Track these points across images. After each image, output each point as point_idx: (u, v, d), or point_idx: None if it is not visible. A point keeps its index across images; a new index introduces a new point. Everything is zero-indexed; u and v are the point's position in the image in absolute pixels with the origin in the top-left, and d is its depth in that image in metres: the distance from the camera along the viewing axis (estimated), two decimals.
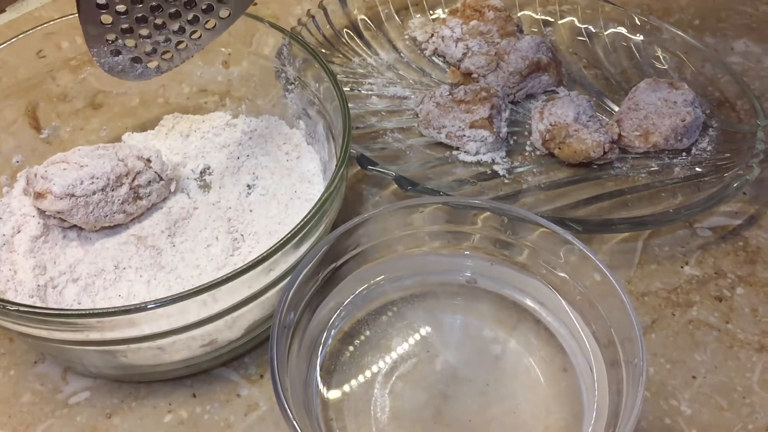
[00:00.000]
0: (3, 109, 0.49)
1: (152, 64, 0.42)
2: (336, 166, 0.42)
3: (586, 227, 0.47)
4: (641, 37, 0.61)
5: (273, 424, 0.40)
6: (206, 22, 0.42)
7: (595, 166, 0.54)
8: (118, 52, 0.41)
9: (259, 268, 0.37)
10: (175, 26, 0.41)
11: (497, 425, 0.38)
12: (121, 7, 0.39)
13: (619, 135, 0.53)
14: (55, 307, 0.42)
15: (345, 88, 0.58)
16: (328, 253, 0.40)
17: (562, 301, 0.41)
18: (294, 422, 0.32)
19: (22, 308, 0.35)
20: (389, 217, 0.42)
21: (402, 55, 0.62)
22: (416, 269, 0.44)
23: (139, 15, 0.40)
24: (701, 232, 0.51)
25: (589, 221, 0.47)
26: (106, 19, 0.39)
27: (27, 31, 0.49)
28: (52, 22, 0.49)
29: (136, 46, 0.41)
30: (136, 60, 0.42)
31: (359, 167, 0.51)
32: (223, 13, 0.41)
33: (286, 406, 0.32)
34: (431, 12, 0.66)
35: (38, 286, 0.43)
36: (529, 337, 0.41)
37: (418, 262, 0.45)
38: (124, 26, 0.40)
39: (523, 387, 0.39)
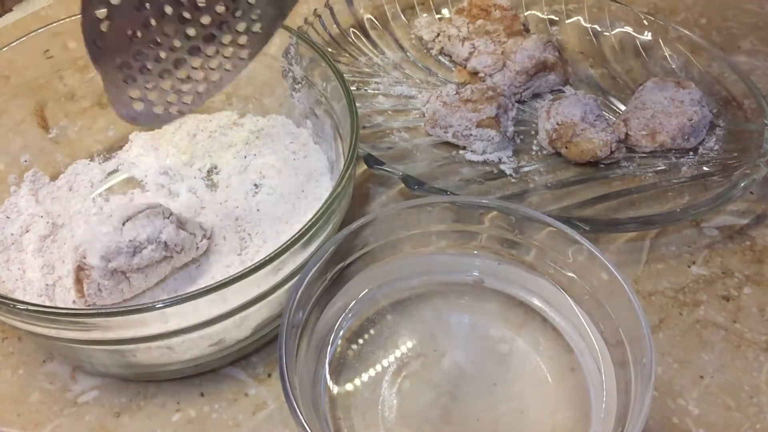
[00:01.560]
0: (11, 109, 0.49)
1: (173, 108, 0.41)
2: (344, 165, 0.42)
3: (593, 226, 0.47)
4: (648, 36, 0.61)
5: (281, 423, 0.41)
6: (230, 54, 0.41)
7: (602, 166, 0.54)
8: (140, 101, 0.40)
9: (268, 267, 0.37)
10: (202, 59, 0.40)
11: (504, 424, 0.38)
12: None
13: (626, 134, 0.53)
14: (63, 306, 0.43)
15: (351, 88, 0.58)
16: (336, 252, 0.40)
17: (570, 301, 0.41)
18: (303, 420, 0.32)
19: (30, 307, 0.35)
20: (396, 216, 0.42)
21: (408, 54, 0.62)
22: (423, 269, 0.44)
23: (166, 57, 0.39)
24: (708, 231, 0.51)
25: (596, 220, 0.47)
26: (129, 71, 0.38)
27: (34, 31, 0.49)
28: (59, 22, 0.50)
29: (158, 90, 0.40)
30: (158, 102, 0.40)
31: (366, 166, 0.51)
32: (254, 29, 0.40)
33: (295, 404, 0.32)
34: (437, 11, 0.66)
35: (47, 285, 0.43)
36: (537, 337, 0.41)
37: (426, 261, 0.45)
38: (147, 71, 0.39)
39: (531, 386, 0.39)
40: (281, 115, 0.53)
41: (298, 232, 0.38)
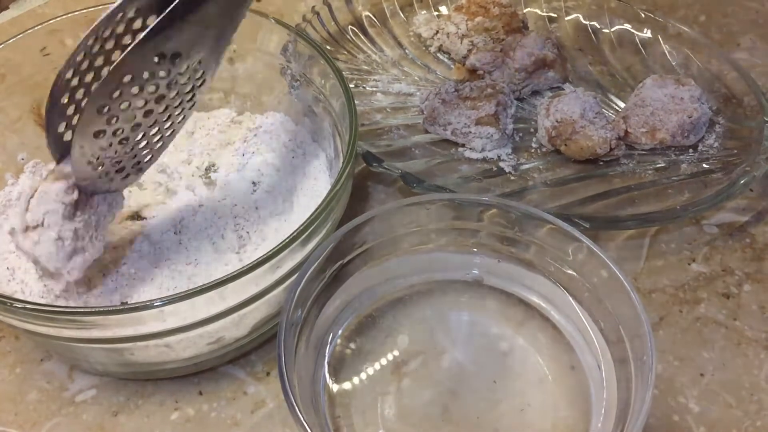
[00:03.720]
0: (7, 107, 0.49)
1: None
2: (343, 163, 0.42)
3: (593, 224, 0.47)
4: (647, 33, 0.61)
5: (280, 422, 0.40)
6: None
7: (602, 163, 0.53)
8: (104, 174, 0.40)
9: (267, 265, 0.37)
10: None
11: (505, 422, 0.38)
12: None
13: (626, 131, 0.53)
14: (61, 304, 0.42)
15: (350, 85, 0.58)
16: (334, 250, 0.39)
17: (570, 298, 0.41)
18: (302, 419, 0.32)
19: (28, 305, 0.35)
20: (396, 214, 0.42)
21: (407, 51, 0.62)
22: (423, 267, 0.44)
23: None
24: (708, 228, 0.51)
25: (595, 218, 0.47)
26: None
27: (31, 29, 0.49)
28: (56, 19, 0.49)
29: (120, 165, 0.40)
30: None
31: (365, 164, 0.50)
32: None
33: (294, 403, 0.32)
34: (436, 8, 0.65)
35: (45, 284, 0.43)
36: (537, 335, 0.41)
37: (425, 259, 0.44)
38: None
39: (531, 384, 0.39)
40: (279, 112, 0.52)
41: (296, 230, 0.38)
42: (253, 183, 0.51)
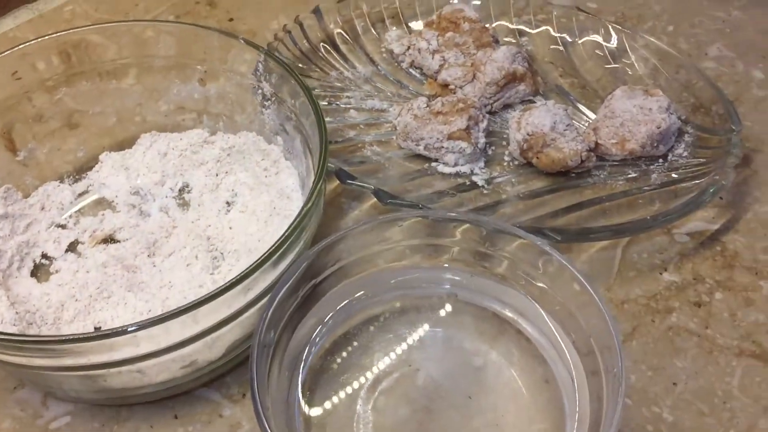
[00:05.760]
0: None
1: None
2: (313, 181, 0.42)
3: (564, 236, 0.47)
4: (616, 45, 0.62)
5: None
6: None
7: (573, 175, 0.54)
8: None
9: (238, 287, 0.37)
10: None
11: None
12: None
13: (596, 143, 0.54)
14: (33, 333, 0.42)
15: (323, 103, 0.58)
16: (307, 269, 0.39)
17: (542, 312, 0.41)
18: None
19: None
20: (368, 232, 0.42)
21: (379, 68, 0.63)
22: (397, 283, 0.44)
23: None
24: (679, 237, 0.51)
25: (567, 230, 0.48)
26: None
27: (2, 53, 0.48)
28: (27, 43, 0.49)
29: None
30: None
31: (338, 181, 0.51)
32: None
33: (267, 427, 0.32)
34: (408, 25, 0.66)
35: (16, 313, 0.42)
36: (511, 349, 0.41)
37: (399, 276, 0.45)
38: None
39: (505, 398, 0.39)
40: (252, 131, 0.53)
41: (267, 250, 0.38)
42: (227, 203, 0.51)
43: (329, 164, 0.51)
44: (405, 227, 0.43)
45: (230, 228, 0.49)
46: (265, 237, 0.47)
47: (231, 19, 0.69)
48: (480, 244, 0.43)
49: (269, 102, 0.50)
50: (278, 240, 0.38)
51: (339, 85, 0.61)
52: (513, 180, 0.54)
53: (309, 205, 0.40)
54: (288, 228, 0.39)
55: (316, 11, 0.63)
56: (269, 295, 0.37)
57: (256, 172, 0.51)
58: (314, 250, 0.40)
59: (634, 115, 0.54)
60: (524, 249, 0.41)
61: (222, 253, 0.47)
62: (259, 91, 0.50)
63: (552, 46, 0.64)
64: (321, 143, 0.43)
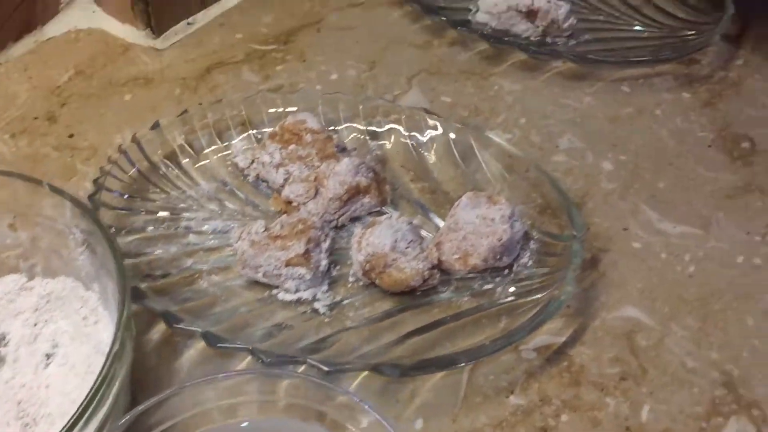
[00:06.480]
0: None
1: None
2: (112, 342, 0.39)
3: (402, 371, 0.46)
4: (465, 147, 0.61)
5: None
6: None
7: (419, 293, 0.52)
8: None
9: None
10: None
11: None
12: None
13: (439, 259, 0.52)
14: None
15: (161, 227, 0.56)
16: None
17: None
18: None
19: None
20: (192, 391, 0.40)
21: (225, 182, 0.60)
22: None
23: None
24: (526, 354, 0.50)
25: (403, 365, 0.46)
26: None
27: None
28: None
29: None
30: None
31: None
32: None
33: None
34: (255, 133, 0.63)
35: None
36: None
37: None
38: None
39: None
40: (71, 276, 0.49)
41: (69, 419, 0.35)
42: (47, 355, 0.47)
43: (155, 306, 0.49)
44: (234, 384, 0.41)
45: (47, 387, 0.45)
46: (79, 398, 0.44)
47: (71, 135, 0.65)
48: (309, 397, 0.41)
49: (82, 248, 0.47)
50: (81, 404, 0.36)
51: (182, 205, 0.58)
52: (357, 303, 0.52)
53: (106, 372, 0.38)
54: (89, 391, 0.37)
55: (156, 126, 0.61)
56: None
57: (76, 321, 0.48)
58: (132, 414, 0.37)
59: (477, 227, 0.53)
60: (345, 404, 0.39)
61: (34, 419, 0.44)
62: (71, 236, 0.47)
63: (402, 150, 0.62)
64: (121, 300, 0.40)
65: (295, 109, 0.63)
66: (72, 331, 0.47)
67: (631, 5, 0.77)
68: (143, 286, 0.50)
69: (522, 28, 0.71)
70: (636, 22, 0.75)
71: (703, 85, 0.70)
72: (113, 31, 0.76)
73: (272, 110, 0.63)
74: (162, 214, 0.57)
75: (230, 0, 0.81)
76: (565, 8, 0.70)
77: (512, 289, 0.52)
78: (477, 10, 0.74)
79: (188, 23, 0.78)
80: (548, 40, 0.71)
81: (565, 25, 0.69)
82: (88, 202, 0.54)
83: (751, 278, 0.54)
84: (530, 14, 0.68)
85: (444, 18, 0.73)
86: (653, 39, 0.73)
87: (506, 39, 0.72)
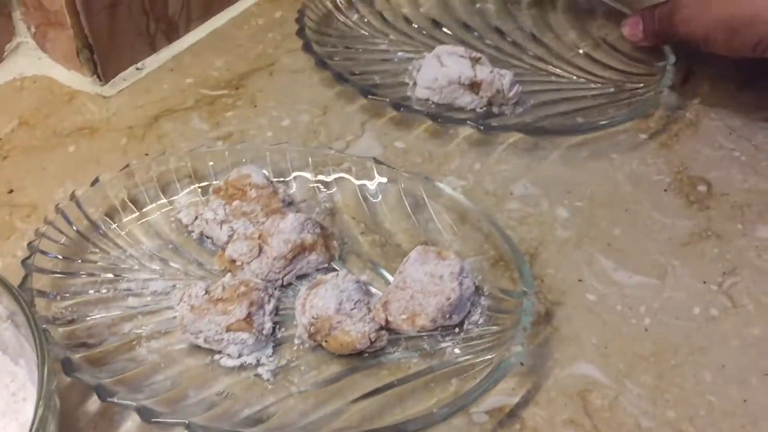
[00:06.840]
0: None
1: None
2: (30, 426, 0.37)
3: None
4: (416, 198, 0.59)
5: None
6: None
7: (367, 354, 0.51)
8: None
9: None
10: None
11: None
12: None
13: (386, 320, 0.51)
14: None
15: (101, 290, 0.54)
16: None
17: None
18: None
19: None
20: None
21: (169, 240, 0.58)
22: None
23: None
24: (477, 417, 0.48)
25: None
26: None
27: None
28: None
29: None
30: None
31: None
32: None
33: None
34: (201, 186, 0.61)
35: None
36: None
37: None
38: None
39: None
40: None
41: None
42: None
43: (87, 378, 0.47)
44: None
45: None
46: None
47: (11, 191, 0.63)
48: None
49: (6, 324, 0.45)
50: None
51: (123, 266, 0.56)
52: (302, 367, 0.50)
53: None
54: None
55: (96, 182, 0.59)
56: None
57: (5, 396, 0.45)
58: None
59: (425, 286, 0.51)
60: None
61: None
62: None
63: (353, 200, 0.61)
64: (41, 378, 0.38)
65: (243, 160, 0.61)
66: (3, 406, 0.45)
67: (573, 63, 0.73)
68: (77, 356, 0.48)
69: (466, 100, 0.67)
70: (582, 80, 0.72)
71: (659, 126, 0.69)
72: (60, 79, 0.74)
73: (218, 163, 0.62)
74: (102, 275, 0.55)
75: (181, 43, 0.79)
76: (509, 76, 0.66)
77: (462, 348, 0.50)
78: (415, 84, 0.69)
79: (137, 68, 0.76)
80: (494, 110, 0.68)
81: (511, 93, 0.67)
82: (22, 267, 0.52)
83: (707, 330, 0.53)
84: (473, 86, 0.66)
85: (386, 99, 0.67)
86: (602, 97, 0.69)
87: (454, 117, 0.67)
